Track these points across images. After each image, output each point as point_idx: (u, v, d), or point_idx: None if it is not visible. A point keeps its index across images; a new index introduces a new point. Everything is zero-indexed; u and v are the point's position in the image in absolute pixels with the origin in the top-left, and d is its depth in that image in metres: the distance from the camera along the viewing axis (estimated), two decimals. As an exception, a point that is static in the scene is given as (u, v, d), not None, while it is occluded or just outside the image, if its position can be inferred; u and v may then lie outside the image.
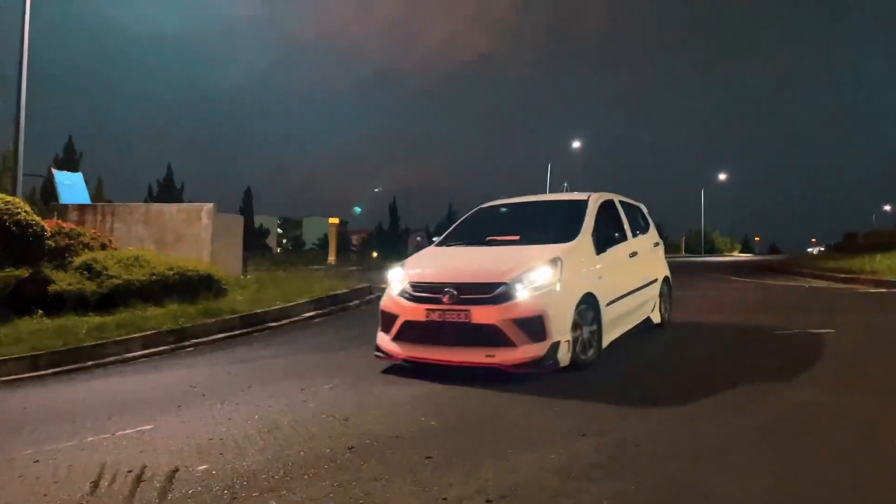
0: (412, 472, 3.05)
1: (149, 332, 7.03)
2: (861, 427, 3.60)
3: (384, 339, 5.41)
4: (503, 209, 6.99)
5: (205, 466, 3.25)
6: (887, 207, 69.67)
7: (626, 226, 6.70)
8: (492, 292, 4.91)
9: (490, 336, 4.84)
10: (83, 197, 14.56)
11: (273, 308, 8.77)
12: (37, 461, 3.46)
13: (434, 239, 7.00)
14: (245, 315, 8.19)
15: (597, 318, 5.40)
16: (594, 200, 6.31)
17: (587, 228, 5.80)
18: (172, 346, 7.10)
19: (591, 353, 5.29)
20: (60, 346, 6.31)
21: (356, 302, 10.75)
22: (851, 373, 5.03)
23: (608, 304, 5.63)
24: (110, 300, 7.92)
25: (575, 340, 5.05)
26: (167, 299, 8.22)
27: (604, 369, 5.24)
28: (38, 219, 8.07)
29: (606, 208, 6.49)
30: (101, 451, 3.59)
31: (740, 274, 18.72)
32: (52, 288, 7.86)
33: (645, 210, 7.80)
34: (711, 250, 68.13)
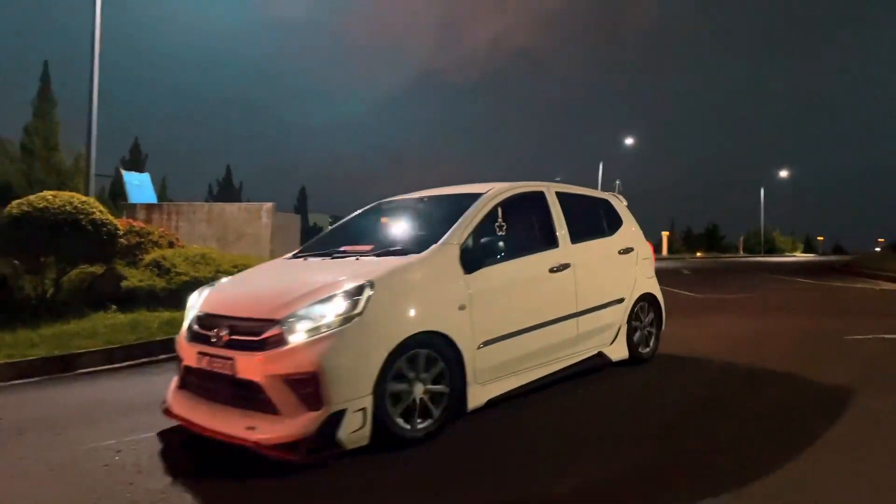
0: None
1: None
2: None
3: (172, 386, 4.08)
4: (394, 206, 5.40)
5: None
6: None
7: (560, 228, 5.04)
8: (260, 334, 3.44)
9: (254, 398, 3.39)
10: (150, 196, 15.16)
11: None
12: (119, 451, 3.59)
13: None
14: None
15: (453, 368, 3.82)
16: (491, 196, 4.61)
17: (452, 236, 4.16)
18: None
19: (426, 423, 3.64)
20: (134, 340, 6.55)
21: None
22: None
23: (486, 344, 4.09)
24: (178, 296, 8.18)
25: (380, 405, 3.39)
26: (231, 296, 8.40)
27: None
28: (111, 218, 8.41)
29: (519, 206, 4.83)
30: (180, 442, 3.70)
31: (808, 276, 17.96)
32: (124, 284, 8.21)
33: (617, 204, 6.03)
34: (772, 250, 66.05)
